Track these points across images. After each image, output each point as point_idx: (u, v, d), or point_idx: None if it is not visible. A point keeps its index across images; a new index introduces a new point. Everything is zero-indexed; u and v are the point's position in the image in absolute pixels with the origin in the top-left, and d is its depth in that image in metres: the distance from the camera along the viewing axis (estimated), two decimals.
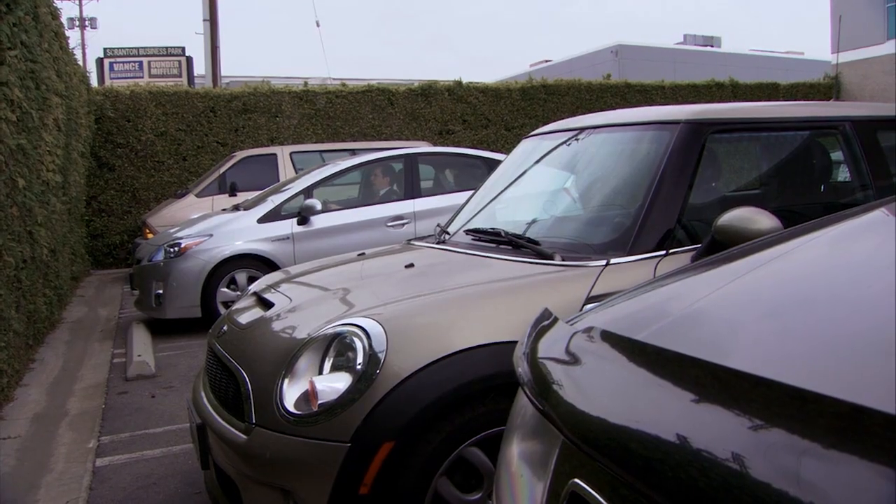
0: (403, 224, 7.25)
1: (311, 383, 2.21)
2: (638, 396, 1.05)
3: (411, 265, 2.97)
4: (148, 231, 9.74)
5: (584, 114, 4.00)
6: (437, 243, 3.38)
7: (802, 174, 3.44)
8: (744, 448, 0.82)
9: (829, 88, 18.15)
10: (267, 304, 2.95)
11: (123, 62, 18.73)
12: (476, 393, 2.18)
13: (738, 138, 3.29)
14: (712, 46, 42.25)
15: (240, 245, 6.93)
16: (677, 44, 40.75)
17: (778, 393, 0.88)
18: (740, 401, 0.91)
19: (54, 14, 7.59)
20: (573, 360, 1.26)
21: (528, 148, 3.78)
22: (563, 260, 2.62)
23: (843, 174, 3.29)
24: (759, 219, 2.34)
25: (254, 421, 2.31)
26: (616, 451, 0.98)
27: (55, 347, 6.28)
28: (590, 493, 1.01)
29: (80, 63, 12.39)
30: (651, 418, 0.98)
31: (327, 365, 2.27)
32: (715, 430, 0.88)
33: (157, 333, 6.83)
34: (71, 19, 35.38)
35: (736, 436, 0.85)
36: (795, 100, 16.90)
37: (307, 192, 7.27)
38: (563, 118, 3.95)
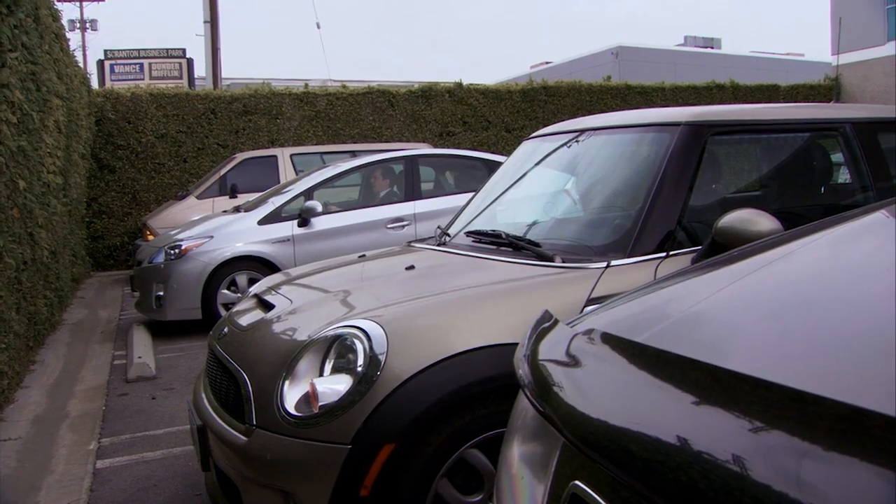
0: (404, 226, 7.25)
1: (312, 385, 2.21)
2: (638, 398, 1.06)
3: (412, 267, 2.97)
4: (148, 233, 9.74)
5: (584, 115, 4.00)
6: (438, 245, 3.38)
7: (803, 176, 3.45)
8: (744, 450, 0.82)
9: (830, 90, 18.14)
10: (267, 306, 2.96)
11: (124, 64, 18.74)
12: (476, 395, 2.18)
13: (739, 140, 3.29)
14: (712, 48, 42.27)
15: (240, 247, 6.93)
16: (677, 45, 40.77)
17: (778, 395, 0.88)
18: (740, 403, 0.91)
19: (55, 16, 7.60)
20: (574, 362, 1.26)
21: (528, 150, 3.78)
22: (564, 262, 2.63)
23: (844, 176, 3.29)
24: (760, 220, 2.34)
25: (254, 422, 2.31)
26: (616, 452, 0.98)
27: (56, 349, 6.28)
28: (590, 494, 1.01)
29: (81, 65, 12.38)
30: (651, 420, 0.98)
31: (328, 367, 2.28)
32: (715, 432, 0.88)
33: (158, 335, 6.83)
34: (71, 21, 35.43)
35: (736, 438, 0.85)
36: (796, 101, 16.90)
37: (308, 193, 7.27)
38: (563, 120, 3.96)
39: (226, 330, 2.95)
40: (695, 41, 43.57)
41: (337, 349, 2.29)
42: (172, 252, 6.91)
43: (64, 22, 8.72)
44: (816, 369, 0.94)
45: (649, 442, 0.94)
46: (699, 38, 44.34)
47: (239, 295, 6.45)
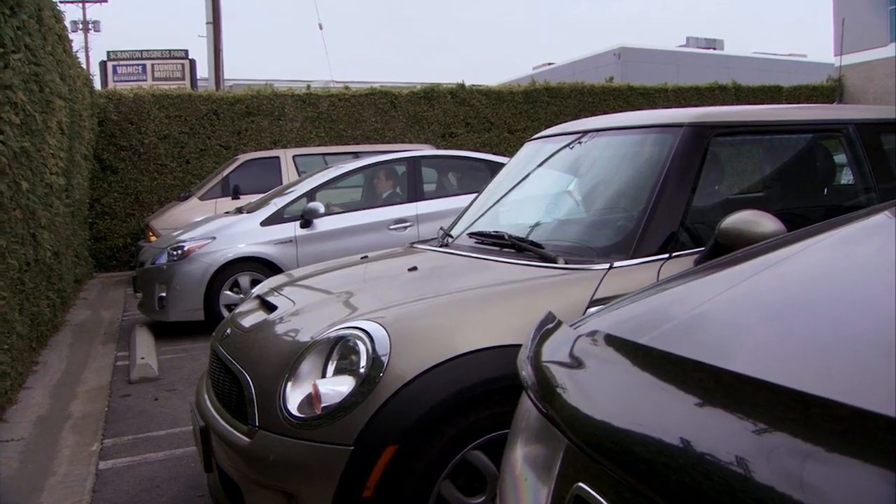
0: (406, 227, 7.25)
1: (315, 386, 2.21)
2: (642, 400, 1.06)
3: (414, 268, 2.98)
4: (151, 234, 9.75)
5: (587, 117, 4.00)
6: (441, 246, 3.38)
7: (806, 177, 3.44)
8: (747, 452, 0.82)
9: (832, 91, 18.13)
10: (270, 308, 2.96)
11: (127, 65, 18.76)
12: (479, 396, 2.18)
13: (742, 141, 3.29)
14: (715, 49, 42.23)
15: (243, 248, 6.93)
16: (680, 46, 40.73)
17: (781, 396, 0.88)
18: (744, 404, 0.91)
19: (58, 17, 7.61)
20: (577, 363, 1.26)
21: (531, 151, 3.78)
22: (567, 263, 2.63)
23: (847, 177, 3.29)
24: (763, 222, 2.34)
25: (257, 424, 2.31)
26: (620, 454, 0.98)
27: (58, 350, 6.29)
28: (594, 496, 1.01)
29: (84, 66, 12.40)
30: (655, 422, 0.98)
31: (330, 368, 2.28)
32: (718, 433, 0.88)
33: (160, 336, 6.84)
34: (74, 22, 35.49)
35: (739, 439, 0.85)
36: (798, 102, 16.88)
37: (310, 195, 7.28)
38: (566, 121, 3.96)
39: (228, 331, 2.95)
40: (697, 42, 43.53)
41: (339, 350, 2.29)
42: (175, 253, 6.92)
43: (67, 23, 8.74)
44: (820, 371, 0.94)
45: (652, 443, 0.94)
46: (701, 39, 44.28)
47: (241, 296, 6.45)
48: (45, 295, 6.29)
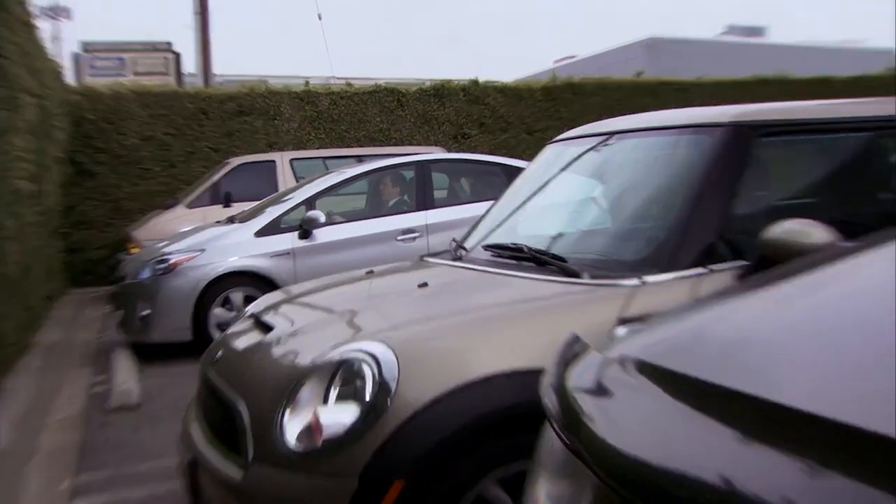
0: (415, 238, 7.26)
1: (315, 415, 2.22)
2: (677, 434, 1.06)
3: (425, 284, 2.98)
4: (133, 245, 9.79)
5: (613, 116, 4.00)
6: (453, 260, 3.39)
7: (863, 181, 3.42)
8: (798, 495, 0.82)
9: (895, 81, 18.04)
10: (266, 328, 2.97)
11: (103, 58, 18.91)
12: (496, 425, 2.19)
13: (790, 142, 3.28)
14: (759, 37, 42.16)
15: (235, 261, 6.95)
16: (719, 35, 40.70)
17: (835, 432, 0.88)
18: (792, 441, 0.91)
19: (23, 2, 7.64)
20: (605, 392, 1.27)
21: (552, 154, 3.79)
22: (592, 278, 2.62)
23: None
24: (812, 232, 2.33)
25: (251, 456, 2.32)
26: (652, 493, 0.98)
27: (26, 375, 6.30)
28: None
29: (55, 59, 12.49)
30: (691, 458, 0.98)
31: (333, 394, 2.28)
32: (764, 473, 0.88)
33: (143, 359, 6.84)
34: (42, 9, 35.71)
35: (787, 480, 0.85)
36: (855, 96, 16.77)
37: (309, 202, 7.30)
38: (590, 121, 3.96)
39: (220, 353, 2.97)
40: (738, 30, 43.47)
41: (343, 375, 2.30)
42: (160, 267, 6.94)
43: (34, 9, 8.78)
44: (879, 404, 0.93)
45: (689, 482, 0.94)
46: (743, 28, 44.19)
47: (234, 314, 6.47)
48: (12, 314, 6.32)
